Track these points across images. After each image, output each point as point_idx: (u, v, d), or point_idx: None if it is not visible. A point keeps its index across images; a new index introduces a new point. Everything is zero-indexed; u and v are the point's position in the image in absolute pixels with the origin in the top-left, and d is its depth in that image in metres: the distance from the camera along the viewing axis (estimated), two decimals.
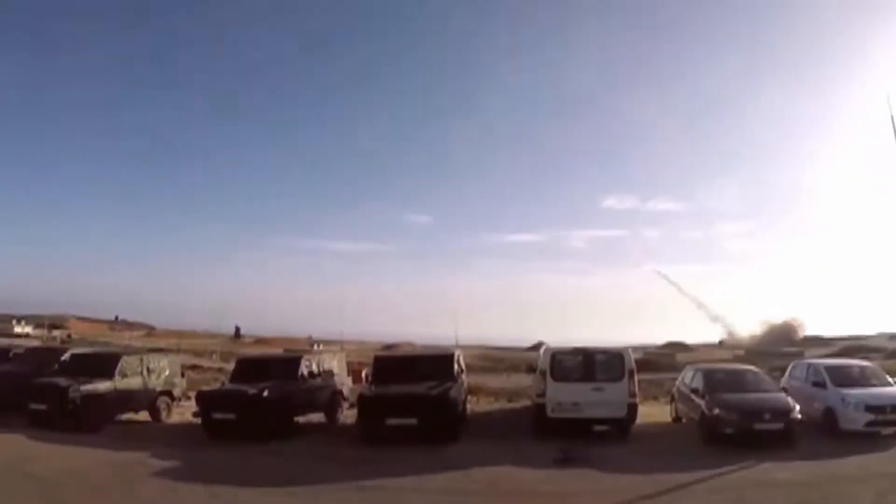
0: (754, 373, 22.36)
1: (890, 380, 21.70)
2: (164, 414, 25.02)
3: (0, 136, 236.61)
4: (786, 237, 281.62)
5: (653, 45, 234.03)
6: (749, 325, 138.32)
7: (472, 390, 30.60)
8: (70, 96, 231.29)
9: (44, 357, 26.87)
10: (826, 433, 19.87)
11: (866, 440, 18.81)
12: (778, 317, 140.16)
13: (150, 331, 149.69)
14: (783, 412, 18.90)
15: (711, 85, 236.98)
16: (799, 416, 18.95)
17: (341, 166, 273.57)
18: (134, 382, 23.97)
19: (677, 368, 37.56)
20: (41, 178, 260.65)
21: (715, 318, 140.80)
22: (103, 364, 23.89)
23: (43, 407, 21.67)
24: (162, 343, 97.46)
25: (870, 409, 19.52)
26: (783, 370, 25.94)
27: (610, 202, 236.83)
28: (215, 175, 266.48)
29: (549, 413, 20.29)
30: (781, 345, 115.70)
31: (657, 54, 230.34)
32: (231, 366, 30.82)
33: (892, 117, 27.02)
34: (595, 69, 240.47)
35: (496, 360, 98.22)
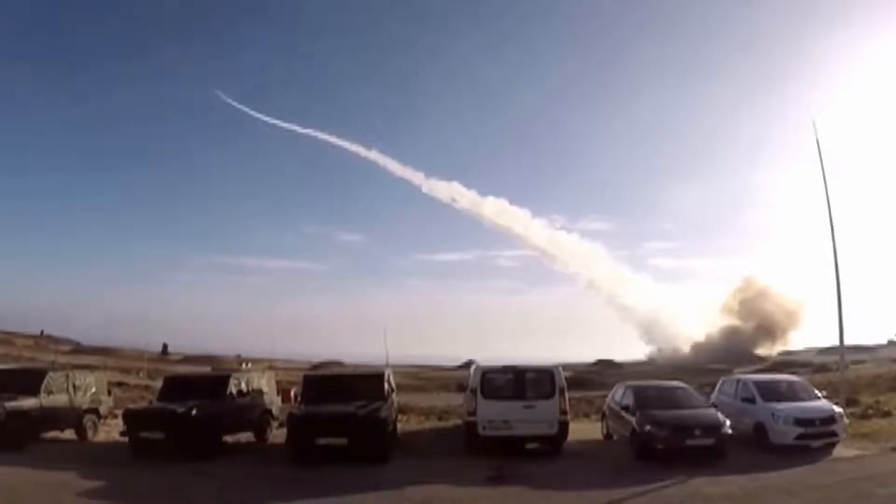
0: (684, 389, 22.52)
1: (818, 394, 22.11)
2: (90, 432, 24.32)
3: None
4: (716, 257, 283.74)
5: (585, 63, 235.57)
6: (678, 342, 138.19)
7: (403, 409, 30.46)
8: None
9: None
10: (756, 448, 20.18)
11: (796, 454, 19.17)
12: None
13: (76, 346, 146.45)
14: (714, 428, 19.12)
15: (642, 102, 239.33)
16: (729, 432, 19.18)
17: (273, 183, 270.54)
18: (60, 400, 23.26)
19: (607, 386, 37.80)
20: None
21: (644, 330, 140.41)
22: (28, 380, 23.17)
23: None
24: (88, 359, 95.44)
25: (799, 422, 19.94)
26: (713, 386, 26.19)
27: (540, 222, 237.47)
28: (144, 189, 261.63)
29: (481, 431, 20.20)
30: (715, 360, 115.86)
31: (591, 71, 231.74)
32: (159, 384, 30.23)
33: (817, 142, 27.73)
34: (533, 89, 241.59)
35: (427, 378, 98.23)
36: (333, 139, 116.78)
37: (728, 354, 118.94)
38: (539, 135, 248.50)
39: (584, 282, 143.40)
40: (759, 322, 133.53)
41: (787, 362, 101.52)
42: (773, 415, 20.39)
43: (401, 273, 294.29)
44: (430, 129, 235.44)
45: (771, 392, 21.70)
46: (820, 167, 27.83)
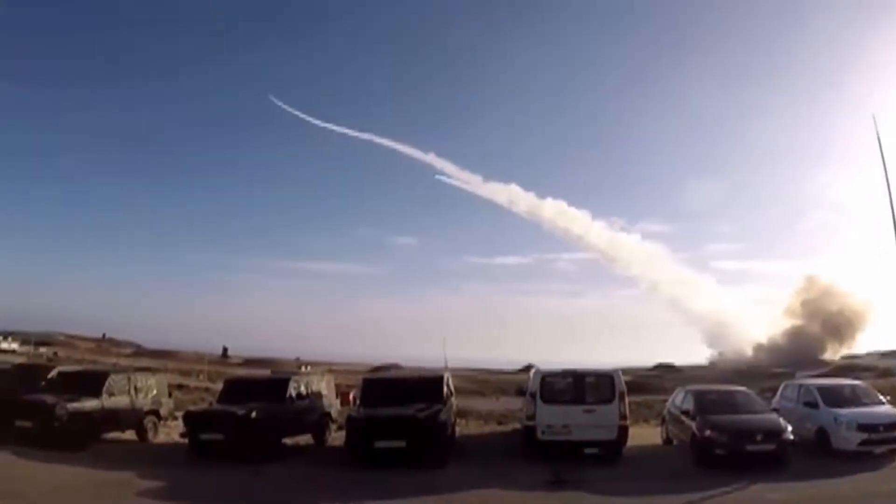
0: (745, 393, 22.25)
1: (882, 398, 21.67)
2: (150, 433, 24.55)
3: None
4: (780, 259, 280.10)
5: (646, 66, 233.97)
6: (741, 345, 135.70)
7: (462, 413, 30.40)
8: (59, 102, 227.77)
9: (31, 374, 26.44)
10: (819, 453, 19.76)
11: (859, 460, 18.76)
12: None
13: (137, 349, 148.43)
14: (775, 433, 18.80)
15: (702, 105, 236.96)
16: (791, 437, 18.85)
17: (328, 187, 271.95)
18: (121, 401, 23.52)
19: (667, 390, 37.46)
20: (30, 192, 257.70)
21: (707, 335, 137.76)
22: (91, 382, 23.51)
23: (29, 424, 21.04)
24: (149, 362, 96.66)
25: (862, 428, 19.46)
26: (774, 390, 25.82)
27: (600, 224, 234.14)
28: (202, 197, 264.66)
29: (539, 436, 20.07)
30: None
31: (652, 74, 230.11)
32: (218, 386, 30.52)
33: (878, 137, 27.16)
34: (592, 91, 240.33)
35: (485, 382, 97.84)
36: (389, 142, 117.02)
37: (790, 357, 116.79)
38: (598, 137, 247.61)
39: (646, 284, 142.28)
40: (823, 322, 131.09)
41: (849, 366, 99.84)
42: (835, 420, 19.96)
43: (456, 276, 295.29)
44: (489, 132, 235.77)
45: (834, 397, 21.26)
46: (881, 163, 27.32)
